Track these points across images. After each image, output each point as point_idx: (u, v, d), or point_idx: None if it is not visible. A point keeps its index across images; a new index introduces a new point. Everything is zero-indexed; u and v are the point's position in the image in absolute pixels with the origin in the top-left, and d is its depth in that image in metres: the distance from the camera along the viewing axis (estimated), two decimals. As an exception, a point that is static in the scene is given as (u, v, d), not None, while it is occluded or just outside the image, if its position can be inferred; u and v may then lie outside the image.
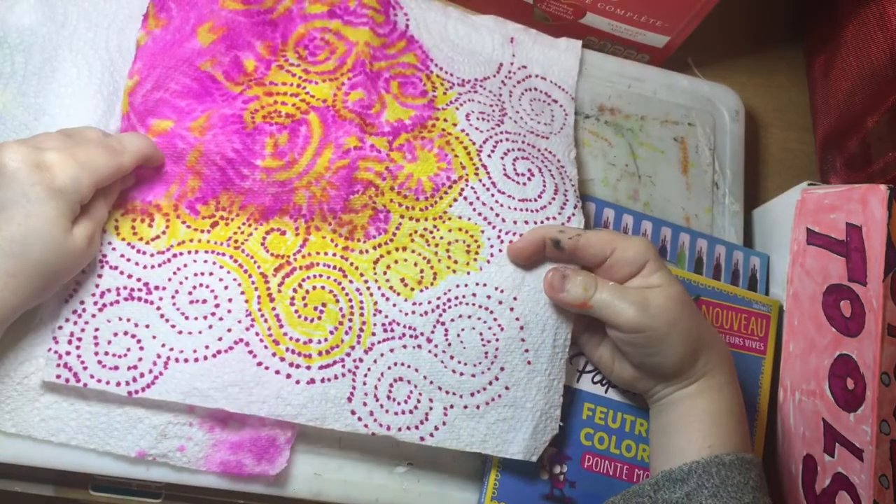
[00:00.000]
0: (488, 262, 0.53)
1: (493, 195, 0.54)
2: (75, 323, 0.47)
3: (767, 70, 0.77)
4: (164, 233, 0.49)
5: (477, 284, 0.52)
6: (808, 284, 0.57)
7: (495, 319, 0.51)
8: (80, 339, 0.46)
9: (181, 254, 0.49)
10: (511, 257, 0.53)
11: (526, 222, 0.54)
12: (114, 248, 0.48)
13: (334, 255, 0.51)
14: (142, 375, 0.47)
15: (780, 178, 0.74)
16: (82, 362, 0.46)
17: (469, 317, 0.51)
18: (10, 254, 0.41)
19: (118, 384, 0.46)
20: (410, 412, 0.49)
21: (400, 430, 0.49)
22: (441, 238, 0.53)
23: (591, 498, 0.52)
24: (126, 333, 0.47)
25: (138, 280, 0.48)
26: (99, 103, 0.51)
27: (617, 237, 0.51)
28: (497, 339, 0.51)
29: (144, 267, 0.48)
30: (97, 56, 0.52)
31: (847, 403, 0.52)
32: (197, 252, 0.49)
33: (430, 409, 0.50)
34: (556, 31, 0.65)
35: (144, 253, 0.49)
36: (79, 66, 0.52)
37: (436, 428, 0.49)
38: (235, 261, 0.49)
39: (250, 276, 0.49)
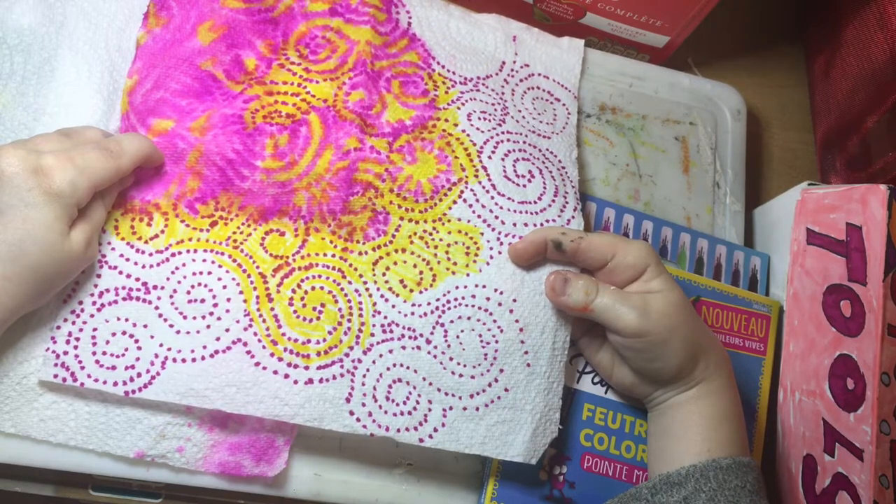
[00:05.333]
0: (488, 264, 0.52)
1: (492, 197, 0.54)
2: (73, 323, 0.47)
3: (768, 70, 0.77)
4: (162, 232, 0.49)
5: (476, 286, 0.52)
6: (808, 284, 0.57)
7: (494, 321, 0.51)
8: (77, 339, 0.46)
9: (179, 253, 0.49)
10: (512, 258, 0.52)
11: (525, 224, 0.53)
12: (113, 248, 0.48)
13: (333, 256, 0.51)
14: (139, 375, 0.47)
15: (780, 177, 0.74)
16: (80, 362, 0.46)
17: (468, 318, 0.51)
18: (7, 257, 0.41)
19: (115, 384, 0.46)
20: (409, 413, 0.49)
21: (399, 431, 0.49)
22: (440, 240, 0.53)
23: (590, 499, 0.52)
24: (124, 333, 0.47)
25: (137, 279, 0.48)
26: (98, 103, 0.51)
27: (618, 241, 0.51)
28: (496, 341, 0.51)
29: (143, 266, 0.48)
30: (97, 56, 0.52)
31: (847, 403, 0.52)
32: (196, 251, 0.49)
33: (429, 410, 0.50)
34: (556, 32, 0.65)
35: (143, 252, 0.48)
36: (78, 65, 0.52)
37: (435, 429, 0.49)
38: (234, 260, 0.49)
39: (249, 276, 0.49)
